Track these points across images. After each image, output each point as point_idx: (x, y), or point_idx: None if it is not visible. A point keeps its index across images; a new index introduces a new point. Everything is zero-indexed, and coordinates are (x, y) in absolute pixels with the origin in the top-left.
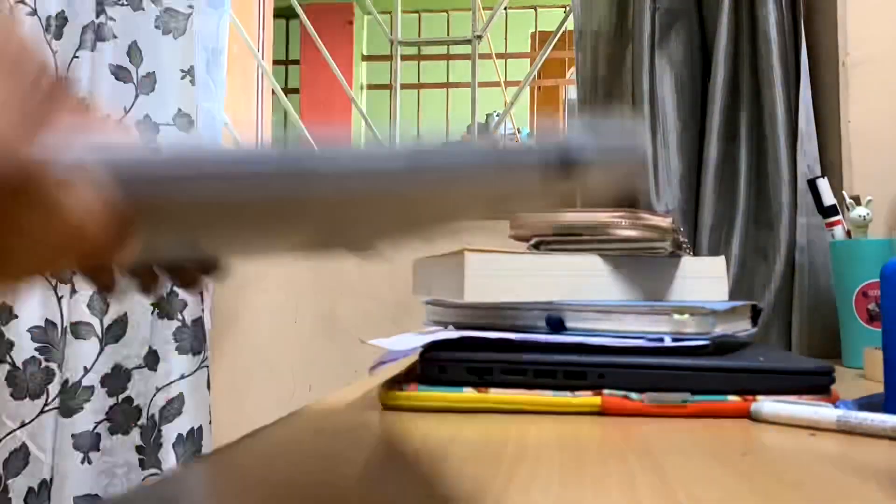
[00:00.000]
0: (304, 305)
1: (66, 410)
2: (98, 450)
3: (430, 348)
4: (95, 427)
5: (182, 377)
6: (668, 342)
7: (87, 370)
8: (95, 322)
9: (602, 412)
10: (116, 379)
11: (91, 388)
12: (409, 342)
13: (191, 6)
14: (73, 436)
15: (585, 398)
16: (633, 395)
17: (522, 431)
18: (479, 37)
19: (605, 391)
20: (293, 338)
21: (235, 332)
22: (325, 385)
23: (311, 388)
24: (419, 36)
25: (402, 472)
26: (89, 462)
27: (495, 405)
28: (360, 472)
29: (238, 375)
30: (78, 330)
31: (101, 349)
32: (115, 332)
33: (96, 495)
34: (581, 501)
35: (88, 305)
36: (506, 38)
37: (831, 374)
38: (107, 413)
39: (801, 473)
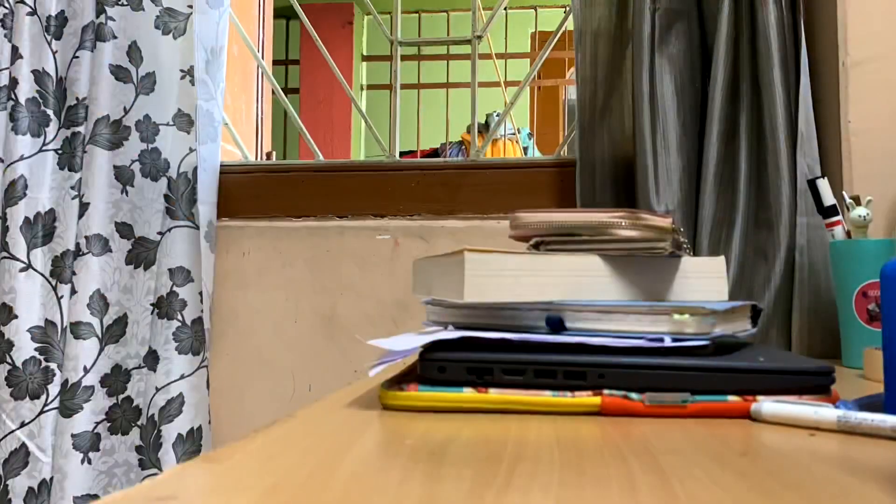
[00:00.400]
0: (304, 305)
1: (66, 410)
2: (98, 450)
3: (430, 348)
4: (95, 427)
5: (182, 377)
6: (667, 342)
7: (86, 370)
8: (95, 322)
9: (602, 412)
10: (116, 379)
11: (91, 389)
12: (409, 342)
13: (190, 6)
14: (72, 436)
15: (585, 398)
16: (633, 395)
17: (522, 431)
18: (479, 37)
19: (605, 391)
20: (293, 338)
21: (235, 332)
22: (325, 385)
23: (311, 388)
24: (419, 36)
25: (401, 473)
26: (89, 462)
27: (495, 405)
28: (359, 473)
29: (238, 376)
30: (78, 330)
31: (101, 349)
32: (115, 332)
33: (96, 495)
34: (581, 501)
35: (88, 305)
36: (506, 38)
37: (831, 374)
38: (106, 413)
39: (801, 473)
